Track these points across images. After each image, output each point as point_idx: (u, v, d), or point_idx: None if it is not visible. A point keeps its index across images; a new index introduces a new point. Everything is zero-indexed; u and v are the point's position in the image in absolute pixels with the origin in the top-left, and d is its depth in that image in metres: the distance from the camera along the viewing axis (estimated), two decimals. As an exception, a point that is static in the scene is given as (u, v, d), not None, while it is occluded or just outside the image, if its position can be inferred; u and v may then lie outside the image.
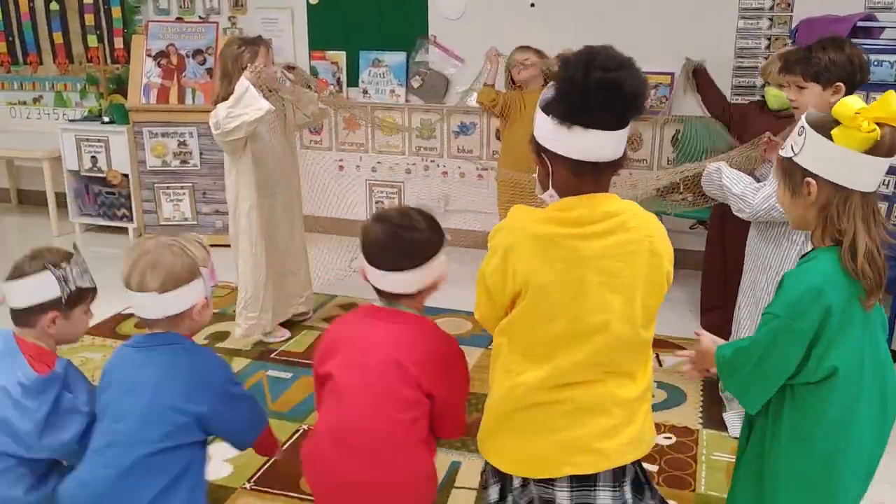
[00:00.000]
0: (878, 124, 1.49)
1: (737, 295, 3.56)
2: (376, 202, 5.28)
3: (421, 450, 1.82)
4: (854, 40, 3.53)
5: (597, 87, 1.48)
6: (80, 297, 1.96)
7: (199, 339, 3.62)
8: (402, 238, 1.83)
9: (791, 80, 2.58)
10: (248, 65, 3.22)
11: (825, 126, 1.54)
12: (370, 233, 1.86)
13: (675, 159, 4.48)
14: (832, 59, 2.46)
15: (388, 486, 1.77)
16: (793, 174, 1.61)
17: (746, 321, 2.79)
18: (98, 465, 1.78)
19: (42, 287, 1.89)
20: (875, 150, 1.51)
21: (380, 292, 1.91)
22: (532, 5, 4.54)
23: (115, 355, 1.94)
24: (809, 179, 1.57)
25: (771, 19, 4.23)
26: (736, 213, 2.64)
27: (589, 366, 1.60)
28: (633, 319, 1.59)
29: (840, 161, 1.53)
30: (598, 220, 1.57)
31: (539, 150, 1.62)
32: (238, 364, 3.38)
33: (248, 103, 3.15)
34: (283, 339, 3.63)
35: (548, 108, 1.56)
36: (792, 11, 4.18)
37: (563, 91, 1.53)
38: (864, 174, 1.54)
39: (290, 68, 3.56)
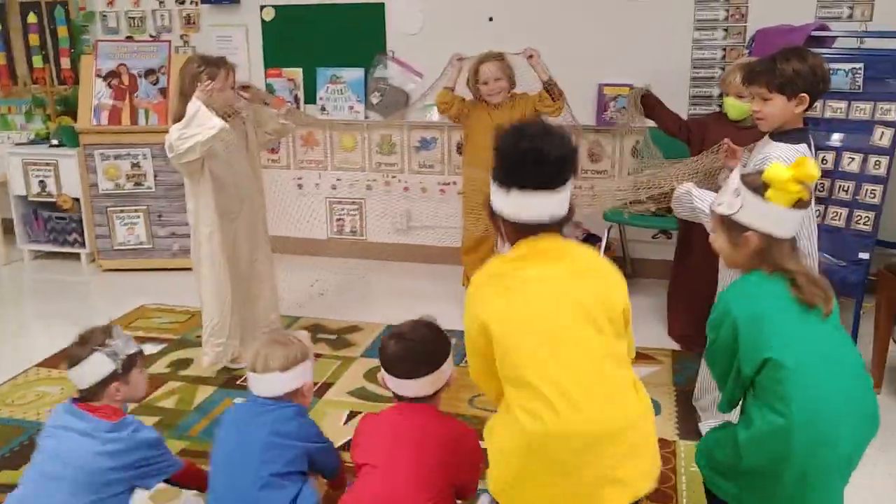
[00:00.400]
0: (801, 181, 1.84)
1: (704, 303, 3.61)
2: (337, 219, 5.21)
3: None
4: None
5: (524, 153, 1.72)
6: (131, 362, 2.23)
7: (161, 367, 3.52)
8: (416, 351, 2.11)
9: (755, 92, 2.59)
10: (199, 83, 3.14)
11: (759, 188, 1.87)
12: (388, 348, 2.14)
13: (637, 170, 4.51)
14: (796, 69, 2.48)
15: None
16: (732, 228, 1.93)
17: None
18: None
19: (98, 366, 2.16)
20: (798, 205, 1.86)
21: (399, 398, 2.17)
22: (490, 19, 4.54)
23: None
24: (748, 234, 1.89)
25: (726, 30, 4.29)
26: (710, 233, 2.64)
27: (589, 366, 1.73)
28: (602, 328, 1.76)
29: (773, 216, 1.87)
30: (544, 251, 1.81)
31: (490, 212, 1.86)
32: (203, 392, 3.28)
33: (200, 123, 3.06)
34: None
35: (492, 174, 1.80)
36: (746, 22, 4.25)
37: (499, 159, 1.78)
38: (791, 224, 1.90)
39: (245, 87, 3.48)
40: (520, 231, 1.80)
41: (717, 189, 2.90)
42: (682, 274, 3.73)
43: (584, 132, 4.59)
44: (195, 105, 3.08)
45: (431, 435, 2.05)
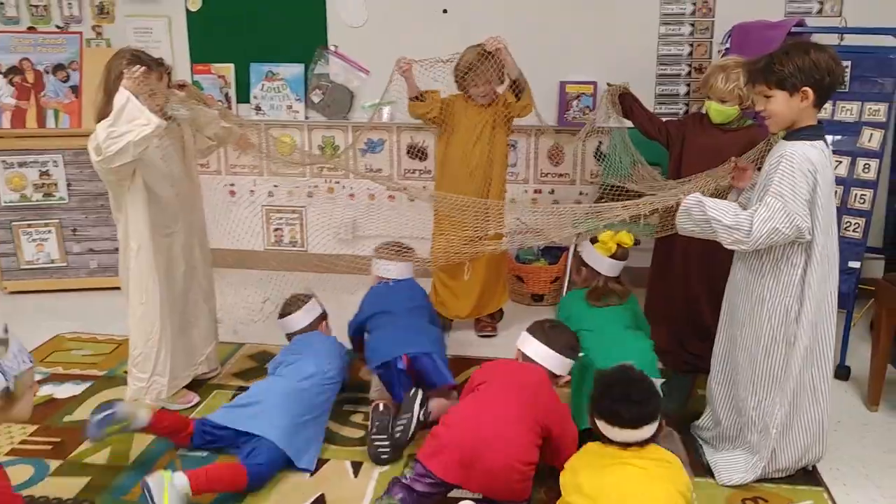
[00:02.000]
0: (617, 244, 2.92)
1: (684, 318, 3.39)
2: (275, 230, 4.77)
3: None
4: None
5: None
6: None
7: (85, 413, 3.02)
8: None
9: (758, 91, 2.43)
10: (125, 71, 2.69)
11: (593, 241, 2.97)
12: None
13: (602, 173, 4.25)
14: (797, 64, 2.32)
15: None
16: (579, 262, 3.07)
17: (742, 356, 2.55)
18: None
19: None
20: (613, 256, 2.94)
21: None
22: (444, 11, 4.19)
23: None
24: (582, 268, 3.06)
25: (693, 24, 4.07)
26: (730, 247, 2.39)
27: None
28: None
29: (598, 259, 2.97)
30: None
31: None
32: (139, 444, 2.80)
33: (131, 118, 2.62)
34: (190, 405, 3.08)
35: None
36: (713, 17, 4.04)
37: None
38: (607, 267, 2.96)
39: (181, 86, 3.03)
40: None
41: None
42: (661, 289, 3.48)
43: (545, 133, 4.32)
44: (123, 96, 2.63)
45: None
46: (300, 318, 3.23)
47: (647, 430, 2.17)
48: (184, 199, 3.01)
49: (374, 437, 2.74)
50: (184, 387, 3.10)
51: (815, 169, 2.31)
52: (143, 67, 2.70)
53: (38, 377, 2.11)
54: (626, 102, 3.42)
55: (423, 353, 2.92)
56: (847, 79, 3.24)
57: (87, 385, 3.27)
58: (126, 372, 3.05)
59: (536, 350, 2.62)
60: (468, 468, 2.32)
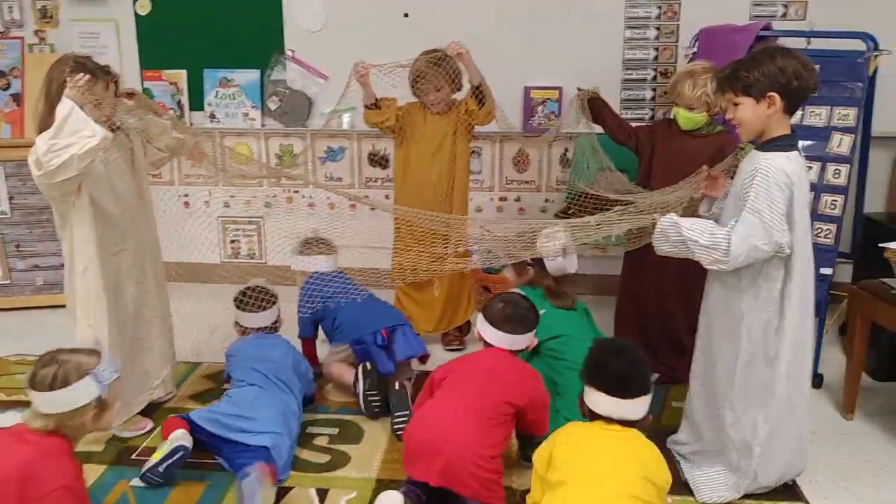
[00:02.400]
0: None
1: (656, 327, 3.32)
2: (231, 241, 4.60)
3: None
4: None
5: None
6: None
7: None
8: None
9: (727, 98, 2.38)
10: (68, 79, 2.51)
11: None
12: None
13: (569, 179, 4.17)
14: (762, 70, 2.27)
15: None
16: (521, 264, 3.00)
17: (721, 372, 2.48)
18: None
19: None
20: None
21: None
22: (406, 15, 4.07)
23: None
24: (529, 267, 2.99)
25: (658, 28, 4.01)
26: (709, 266, 2.32)
27: None
28: None
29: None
30: None
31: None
32: (90, 474, 2.62)
33: (75, 129, 2.44)
34: (143, 431, 2.91)
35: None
36: (679, 20, 3.99)
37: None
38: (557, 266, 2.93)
39: (130, 94, 2.86)
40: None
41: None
42: (632, 297, 3.41)
43: (509, 140, 4.22)
44: (66, 106, 2.45)
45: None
46: (270, 315, 3.18)
47: (638, 405, 2.09)
48: (133, 215, 2.85)
49: (367, 393, 3.00)
50: (137, 413, 2.93)
51: (791, 181, 2.25)
52: (88, 76, 2.53)
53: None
54: (596, 107, 3.34)
55: (398, 324, 3.20)
56: (815, 83, 3.20)
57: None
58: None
59: (493, 335, 2.59)
60: (439, 468, 2.32)
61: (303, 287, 3.41)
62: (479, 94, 3.33)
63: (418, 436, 2.42)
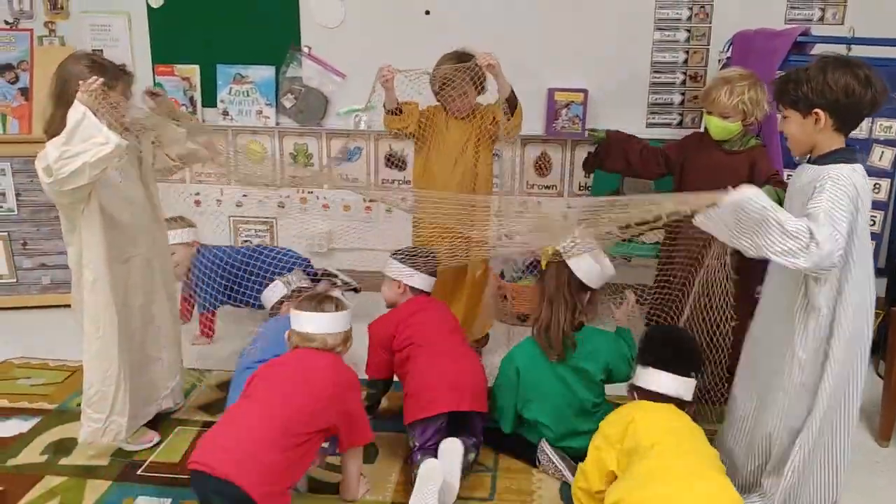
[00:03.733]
0: None
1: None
2: (243, 241, 4.49)
3: None
4: (793, 58, 3.24)
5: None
6: None
7: (34, 454, 2.73)
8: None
9: (780, 111, 2.24)
10: (82, 83, 2.38)
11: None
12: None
13: (591, 186, 4.04)
14: (810, 84, 2.12)
15: None
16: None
17: (770, 410, 2.33)
18: None
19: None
20: None
21: None
22: (427, 13, 3.93)
23: None
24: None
25: (689, 30, 3.87)
26: (778, 258, 2.02)
27: None
28: None
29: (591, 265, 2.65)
30: None
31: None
32: (93, 491, 2.52)
33: (87, 136, 2.31)
34: (149, 444, 2.80)
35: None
36: (711, 23, 3.84)
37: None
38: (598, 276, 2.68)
39: (153, 94, 2.73)
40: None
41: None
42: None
43: (532, 143, 4.09)
44: (78, 112, 2.32)
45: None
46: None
47: (691, 383, 2.31)
48: (142, 221, 2.72)
49: None
50: (143, 425, 2.83)
51: (858, 195, 2.08)
52: (101, 80, 2.40)
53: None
54: (614, 149, 3.20)
55: None
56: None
57: (35, 421, 2.96)
58: (80, 405, 2.75)
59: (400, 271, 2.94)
60: (457, 390, 2.59)
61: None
62: (510, 105, 3.20)
63: (435, 372, 2.64)
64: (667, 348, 2.33)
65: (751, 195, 2.03)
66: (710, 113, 2.99)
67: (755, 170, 2.93)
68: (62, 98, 2.43)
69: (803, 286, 2.17)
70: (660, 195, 2.44)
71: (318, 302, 2.44)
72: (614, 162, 3.24)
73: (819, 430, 2.27)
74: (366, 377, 2.92)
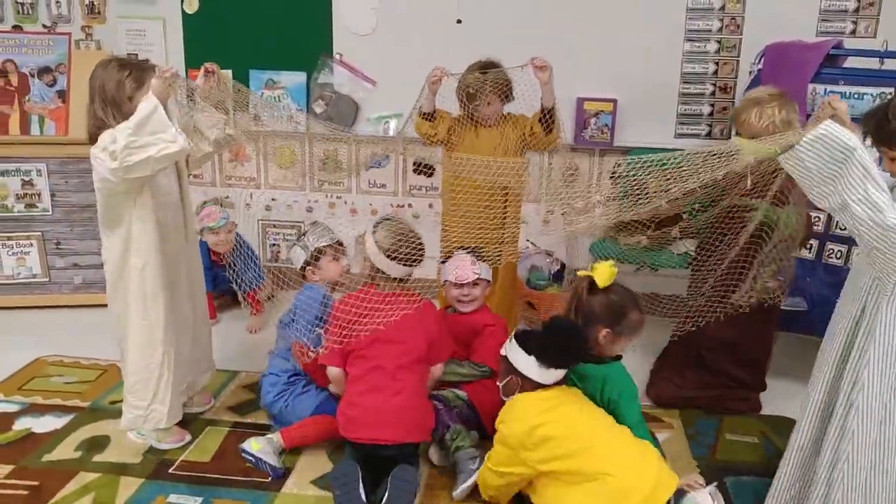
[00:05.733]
0: None
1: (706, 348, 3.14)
2: (271, 245, 4.53)
3: None
4: (825, 71, 3.23)
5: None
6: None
7: (68, 451, 2.77)
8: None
9: (883, 152, 2.10)
10: (157, 69, 2.45)
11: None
12: None
13: (619, 197, 4.04)
14: None
15: None
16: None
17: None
18: None
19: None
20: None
21: None
22: (459, 22, 3.96)
23: None
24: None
25: (719, 42, 3.87)
26: (866, 210, 1.89)
27: None
28: None
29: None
30: None
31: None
32: (126, 489, 2.55)
33: (155, 130, 2.36)
34: (181, 443, 2.83)
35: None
36: (741, 34, 3.84)
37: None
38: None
39: (210, 72, 2.79)
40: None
41: None
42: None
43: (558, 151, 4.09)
44: (150, 104, 2.36)
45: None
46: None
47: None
48: (175, 216, 2.75)
49: None
50: (175, 424, 2.86)
51: None
52: (175, 68, 2.46)
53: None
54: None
55: None
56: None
57: (69, 418, 3.01)
58: (113, 403, 2.80)
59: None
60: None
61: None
62: (550, 117, 3.21)
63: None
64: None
65: (823, 133, 1.91)
66: (738, 135, 2.96)
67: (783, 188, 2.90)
68: (101, 98, 2.51)
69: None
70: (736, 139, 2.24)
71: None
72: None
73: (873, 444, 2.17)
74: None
